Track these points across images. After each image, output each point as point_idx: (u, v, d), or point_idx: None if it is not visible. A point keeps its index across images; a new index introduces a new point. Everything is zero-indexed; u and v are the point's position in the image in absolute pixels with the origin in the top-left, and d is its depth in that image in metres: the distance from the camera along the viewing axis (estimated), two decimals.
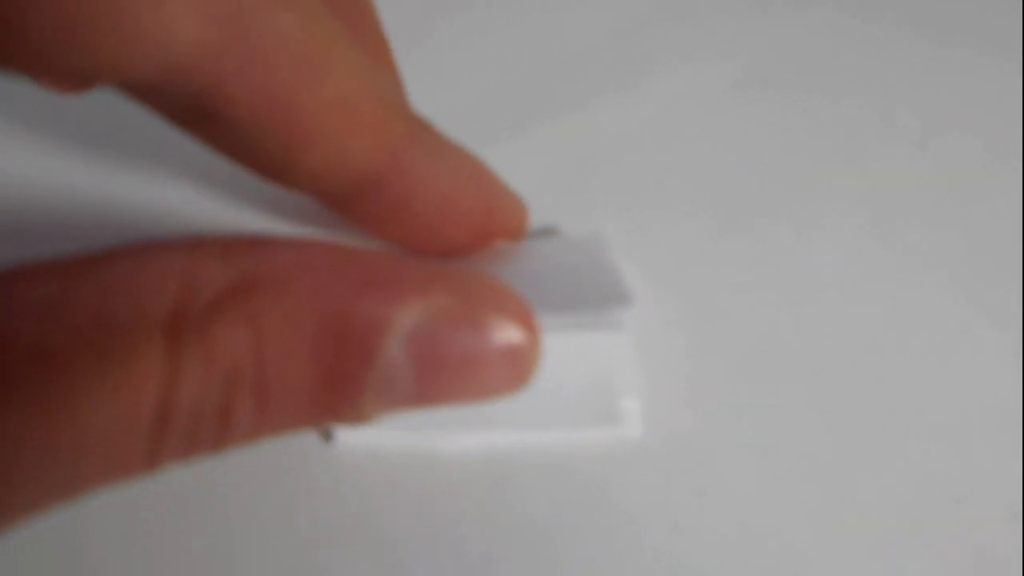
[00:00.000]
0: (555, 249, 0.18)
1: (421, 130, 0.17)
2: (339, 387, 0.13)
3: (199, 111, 0.15)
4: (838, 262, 0.21)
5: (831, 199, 0.22)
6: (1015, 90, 0.24)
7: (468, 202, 0.18)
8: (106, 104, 0.19)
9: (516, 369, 0.14)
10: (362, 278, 0.13)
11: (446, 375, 0.14)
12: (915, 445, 0.18)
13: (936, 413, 0.18)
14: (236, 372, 0.12)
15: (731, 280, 0.20)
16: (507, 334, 0.14)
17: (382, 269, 0.13)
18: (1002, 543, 0.16)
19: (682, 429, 0.18)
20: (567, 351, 0.18)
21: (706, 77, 0.25)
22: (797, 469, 0.17)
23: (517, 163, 0.21)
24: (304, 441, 0.18)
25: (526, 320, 0.14)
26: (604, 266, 0.18)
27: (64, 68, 0.13)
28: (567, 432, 0.18)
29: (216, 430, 0.12)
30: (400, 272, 0.13)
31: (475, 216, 0.19)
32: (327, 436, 0.18)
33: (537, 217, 0.21)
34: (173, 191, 0.22)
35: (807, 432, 0.18)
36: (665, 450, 0.18)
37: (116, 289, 0.12)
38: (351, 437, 0.17)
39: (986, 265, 0.20)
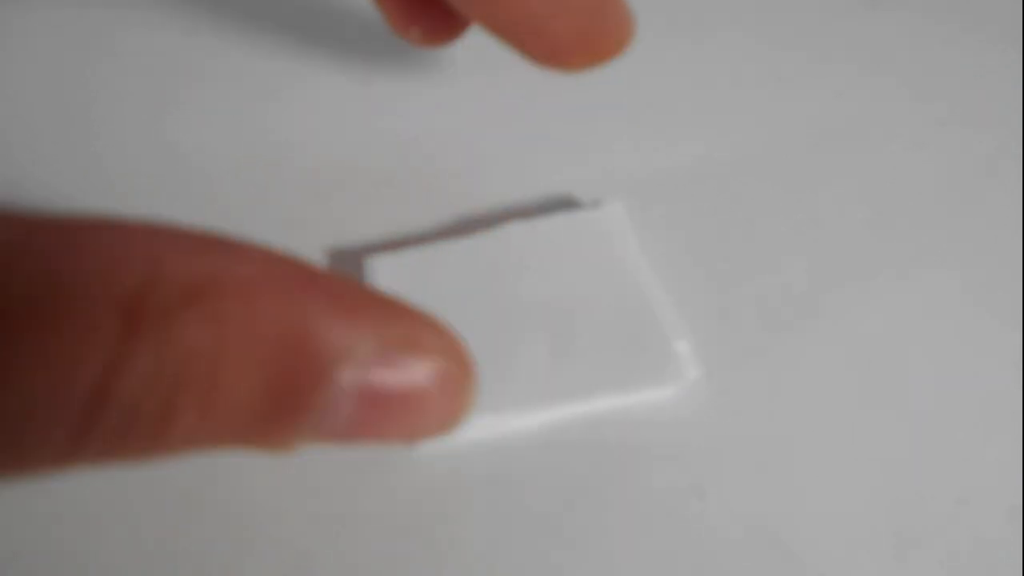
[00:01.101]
0: (603, 303, 0.19)
1: None
2: (284, 408, 0.12)
3: None
4: (838, 262, 0.20)
5: (831, 198, 0.22)
6: (1016, 90, 0.24)
7: None
8: None
9: (451, 408, 0.14)
10: (327, 299, 0.13)
11: (384, 409, 0.13)
12: (916, 445, 0.18)
13: (937, 413, 0.18)
14: (187, 372, 0.11)
15: (729, 282, 0.20)
16: (448, 372, 0.14)
17: (346, 294, 0.13)
18: (1002, 543, 0.16)
19: (684, 428, 0.18)
20: (609, 314, 0.19)
21: (706, 77, 0.25)
22: (797, 469, 0.17)
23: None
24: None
25: (465, 360, 0.14)
26: (655, 332, 0.18)
27: None
28: (628, 393, 0.18)
29: (151, 431, 0.11)
30: (361, 300, 0.13)
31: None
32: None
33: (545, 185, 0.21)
34: None
35: (807, 432, 0.18)
36: (663, 447, 0.18)
37: (80, 255, 0.11)
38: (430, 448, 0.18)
39: (987, 265, 0.20)
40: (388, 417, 0.13)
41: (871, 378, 0.19)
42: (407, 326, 0.13)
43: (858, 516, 0.17)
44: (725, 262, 0.21)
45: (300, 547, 0.17)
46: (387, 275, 0.20)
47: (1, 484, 0.11)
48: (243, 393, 0.12)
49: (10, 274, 0.10)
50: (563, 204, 0.22)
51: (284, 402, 0.12)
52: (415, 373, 0.13)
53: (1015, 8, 0.26)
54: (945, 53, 0.25)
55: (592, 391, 0.18)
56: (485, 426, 0.17)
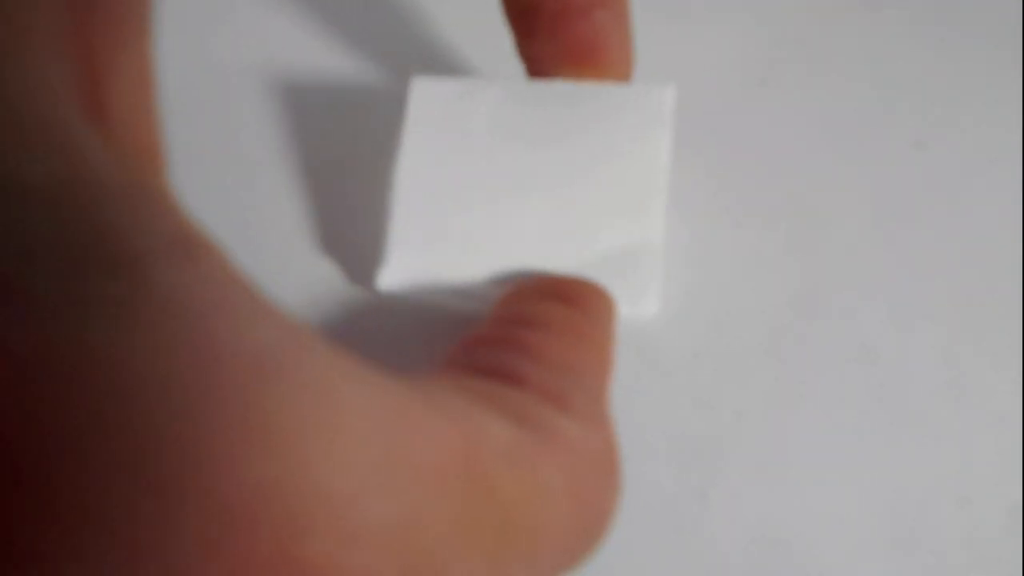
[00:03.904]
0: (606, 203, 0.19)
1: None
2: None
3: None
4: (839, 263, 0.20)
5: (830, 199, 0.22)
6: (1015, 90, 0.24)
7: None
8: None
9: None
10: None
11: None
12: (915, 446, 0.18)
13: (936, 413, 0.18)
14: None
15: (731, 280, 0.20)
16: None
17: None
18: (1002, 543, 0.16)
19: (683, 428, 0.18)
20: (613, 205, 0.19)
21: (706, 81, 0.25)
22: (798, 469, 0.17)
23: None
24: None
25: None
26: (640, 246, 0.19)
27: None
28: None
29: None
30: None
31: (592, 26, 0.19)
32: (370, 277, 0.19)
33: None
34: None
35: (807, 433, 0.18)
36: (662, 447, 0.18)
37: None
38: (394, 281, 0.19)
39: (986, 265, 0.20)
40: None
41: (872, 378, 0.19)
42: None
43: (859, 516, 0.17)
44: (718, 268, 0.21)
45: None
46: (428, 97, 0.20)
47: None
48: None
49: None
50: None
51: None
52: None
53: (1015, 9, 0.26)
54: (945, 54, 0.25)
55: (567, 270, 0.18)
56: (460, 266, 0.19)
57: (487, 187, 0.19)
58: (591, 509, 0.12)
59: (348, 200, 0.22)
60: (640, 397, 0.18)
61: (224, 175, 0.23)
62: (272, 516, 0.08)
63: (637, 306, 0.18)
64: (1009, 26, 0.25)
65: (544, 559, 0.11)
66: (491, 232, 0.19)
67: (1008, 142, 0.23)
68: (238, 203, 0.22)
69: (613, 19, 0.20)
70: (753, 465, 0.17)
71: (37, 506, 0.07)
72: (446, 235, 0.19)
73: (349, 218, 0.22)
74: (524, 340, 0.14)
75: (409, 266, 0.19)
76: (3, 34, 0.08)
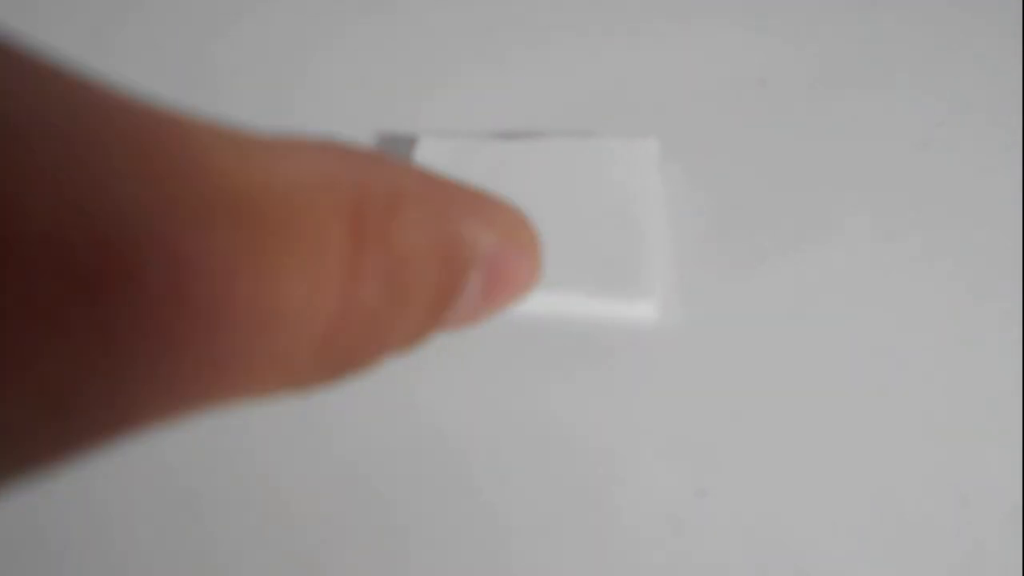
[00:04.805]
0: (600, 215, 0.20)
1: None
2: (445, 299, 0.13)
3: None
4: (839, 263, 0.20)
5: (831, 199, 0.22)
6: (1015, 91, 0.24)
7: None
8: None
9: (534, 270, 0.16)
10: (460, 201, 0.14)
11: (495, 290, 0.15)
12: (916, 445, 0.18)
13: (937, 413, 0.18)
14: (411, 275, 0.12)
15: (731, 280, 0.20)
16: (531, 240, 0.15)
17: (462, 193, 0.14)
18: (1003, 543, 0.16)
19: (684, 428, 0.18)
20: (604, 233, 0.20)
21: (707, 81, 0.25)
22: (799, 469, 0.17)
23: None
24: None
25: (531, 224, 0.16)
26: (639, 255, 0.19)
27: None
28: (588, 299, 0.19)
29: (383, 338, 0.12)
30: (471, 197, 0.14)
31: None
32: None
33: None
34: None
35: (808, 433, 0.18)
36: (662, 447, 0.18)
37: (307, 171, 0.11)
38: None
39: (986, 265, 0.20)
40: (497, 296, 0.15)
41: (873, 378, 0.19)
42: (503, 212, 0.15)
43: (858, 515, 0.17)
44: (718, 271, 0.21)
45: (301, 548, 0.17)
46: (431, 155, 0.22)
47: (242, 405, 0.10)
48: (424, 293, 0.13)
49: (270, 179, 0.11)
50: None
51: (445, 293, 0.13)
52: (520, 260, 0.15)
53: (1015, 8, 0.26)
54: (945, 53, 0.25)
55: (562, 285, 0.19)
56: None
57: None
58: None
59: None
60: (640, 397, 0.18)
61: None
62: (171, 133, 0.08)
63: (638, 310, 0.18)
64: (1010, 26, 0.25)
65: None
66: None
67: (1008, 142, 0.23)
68: None
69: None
70: (753, 465, 0.17)
71: None
72: None
73: None
74: None
75: None
76: None
